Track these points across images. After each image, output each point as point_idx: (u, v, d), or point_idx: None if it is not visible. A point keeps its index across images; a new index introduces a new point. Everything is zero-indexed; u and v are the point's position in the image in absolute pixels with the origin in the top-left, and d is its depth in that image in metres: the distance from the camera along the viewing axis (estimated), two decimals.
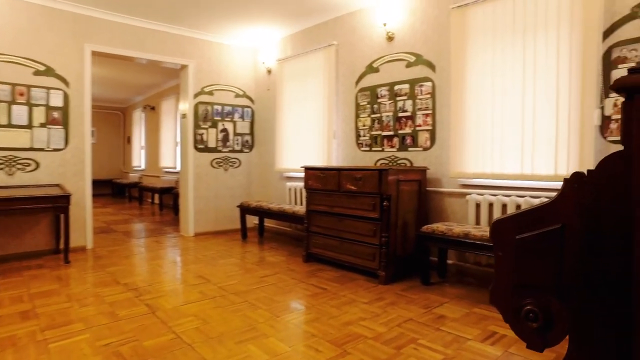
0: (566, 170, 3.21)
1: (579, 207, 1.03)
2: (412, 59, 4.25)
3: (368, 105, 4.70)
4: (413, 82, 4.25)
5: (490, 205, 3.63)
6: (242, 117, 6.29)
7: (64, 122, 4.76)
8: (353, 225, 3.90)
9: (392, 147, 4.48)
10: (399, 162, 4.41)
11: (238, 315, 2.83)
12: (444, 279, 3.76)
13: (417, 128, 4.24)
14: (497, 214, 3.56)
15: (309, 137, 5.34)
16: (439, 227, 3.52)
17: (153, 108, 10.35)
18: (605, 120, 3.11)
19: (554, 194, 3.35)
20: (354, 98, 4.85)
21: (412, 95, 4.27)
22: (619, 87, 1.00)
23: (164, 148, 9.63)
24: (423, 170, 4.03)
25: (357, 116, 4.82)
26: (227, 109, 6.13)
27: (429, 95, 4.14)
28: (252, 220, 6.28)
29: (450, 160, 3.93)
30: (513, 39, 3.47)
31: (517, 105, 3.46)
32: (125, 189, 11.63)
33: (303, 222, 4.54)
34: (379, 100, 4.57)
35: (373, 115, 4.65)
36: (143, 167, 11.14)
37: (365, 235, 3.78)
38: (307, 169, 4.40)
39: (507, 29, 3.50)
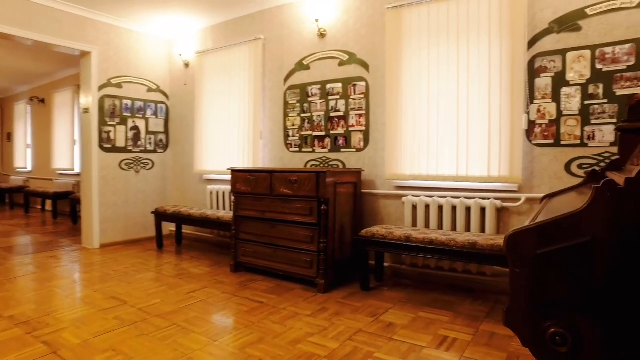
0: (498, 172, 3.33)
1: (612, 218, 0.93)
2: (345, 57, 4.13)
3: (298, 104, 4.49)
4: (346, 82, 4.14)
5: (427, 206, 3.65)
6: (155, 113, 5.66)
7: None
8: (288, 231, 3.66)
9: (323, 148, 4.32)
10: (330, 163, 4.27)
11: (168, 343, 2.42)
12: (382, 282, 3.69)
13: (351, 128, 4.14)
14: (433, 215, 3.59)
15: (233, 137, 4.97)
16: (379, 230, 3.43)
17: (43, 101, 9.00)
18: (531, 125, 3.27)
19: (487, 194, 3.49)
20: (283, 96, 4.61)
21: (345, 95, 4.15)
22: None
23: (58, 147, 8.40)
24: (358, 172, 3.93)
25: (286, 115, 4.59)
26: (139, 104, 5.47)
27: (362, 95, 4.05)
28: (168, 228, 5.69)
29: (385, 162, 3.89)
30: (448, 43, 3.51)
31: (452, 107, 3.51)
32: (5, 195, 9.98)
33: (229, 228, 4.18)
34: (310, 99, 4.39)
35: (303, 115, 4.45)
36: (29, 168, 9.64)
37: (302, 241, 3.57)
38: (235, 171, 4.05)
39: (441, 32, 3.54)
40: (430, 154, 3.63)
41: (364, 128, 4.06)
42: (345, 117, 4.16)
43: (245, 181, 3.94)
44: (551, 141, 3.20)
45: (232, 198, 4.08)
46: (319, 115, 4.34)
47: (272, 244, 3.77)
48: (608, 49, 3.00)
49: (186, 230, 5.60)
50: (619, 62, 2.97)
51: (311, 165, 4.41)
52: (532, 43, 3.24)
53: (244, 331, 2.60)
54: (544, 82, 3.22)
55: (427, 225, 3.65)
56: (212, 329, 2.64)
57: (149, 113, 5.57)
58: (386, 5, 3.81)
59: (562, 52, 3.15)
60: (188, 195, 5.66)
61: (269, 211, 3.77)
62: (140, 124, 5.48)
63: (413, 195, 3.73)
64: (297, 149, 4.52)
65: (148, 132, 5.57)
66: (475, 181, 3.44)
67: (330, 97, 4.25)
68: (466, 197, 3.47)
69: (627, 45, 2.94)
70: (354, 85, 4.09)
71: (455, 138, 3.50)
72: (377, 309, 3.03)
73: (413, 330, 2.64)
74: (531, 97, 3.26)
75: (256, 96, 4.73)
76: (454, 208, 3.52)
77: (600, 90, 3.03)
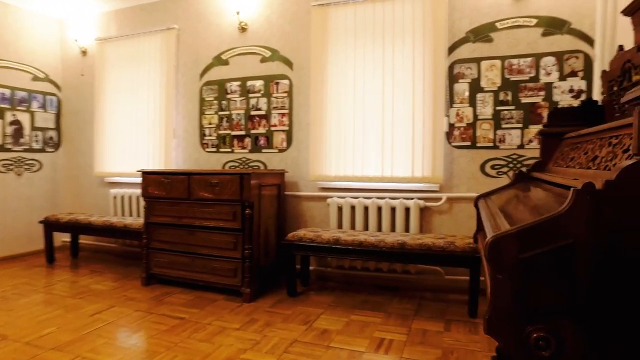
0: (421, 172, 3.43)
1: (592, 222, 0.92)
2: (268, 53, 3.96)
3: (215, 101, 4.19)
4: (268, 79, 3.97)
5: (353, 208, 3.64)
6: (43, 106, 4.88)
7: None
8: (209, 238, 3.37)
9: (243, 148, 4.10)
10: (251, 164, 4.06)
11: None
12: (308, 286, 3.59)
13: (273, 128, 3.97)
14: (359, 216, 3.58)
15: (142, 136, 4.48)
16: (306, 233, 3.32)
17: None
18: (451, 127, 3.43)
19: (411, 195, 3.59)
20: (199, 92, 4.27)
21: (267, 93, 3.98)
22: (636, 97, 0.93)
23: None
24: (282, 174, 3.78)
25: (202, 113, 4.26)
26: (21, 94, 4.66)
27: (285, 94, 3.92)
28: (60, 238, 4.94)
29: (309, 163, 3.80)
30: (374, 44, 3.54)
31: (378, 109, 3.54)
32: None
33: (139, 237, 3.74)
34: (229, 96, 4.13)
35: (221, 113, 4.17)
36: None
37: (225, 248, 3.31)
38: (146, 174, 3.64)
39: (367, 34, 3.55)
40: (356, 155, 3.62)
41: (287, 128, 3.92)
42: (267, 116, 3.98)
43: (158, 184, 3.55)
44: (468, 143, 3.39)
45: (143, 203, 3.66)
46: (238, 114, 4.10)
47: (191, 253, 3.44)
48: (514, 61, 3.27)
49: (84, 240, 4.91)
50: (523, 73, 3.25)
51: (230, 167, 4.15)
52: (451, 49, 3.41)
53: (167, 354, 2.29)
54: (462, 87, 3.40)
55: (352, 227, 3.64)
56: (127, 356, 2.28)
57: (35, 106, 4.79)
58: (312, 2, 3.72)
59: (477, 60, 3.36)
60: (86, 200, 4.98)
61: (187, 217, 3.44)
62: (24, 118, 4.68)
63: (338, 197, 3.69)
64: (214, 149, 4.22)
65: (34, 128, 4.78)
66: (399, 182, 3.51)
67: (251, 95, 4.04)
68: (391, 198, 3.53)
69: (529, 59, 3.23)
70: (277, 83, 3.94)
71: (380, 139, 3.54)
72: (309, 315, 2.92)
73: (348, 335, 2.58)
74: (451, 101, 3.42)
75: (168, 91, 4.32)
76: (379, 209, 3.56)
77: (510, 97, 3.28)
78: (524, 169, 2.11)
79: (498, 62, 3.31)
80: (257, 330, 2.63)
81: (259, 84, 4.00)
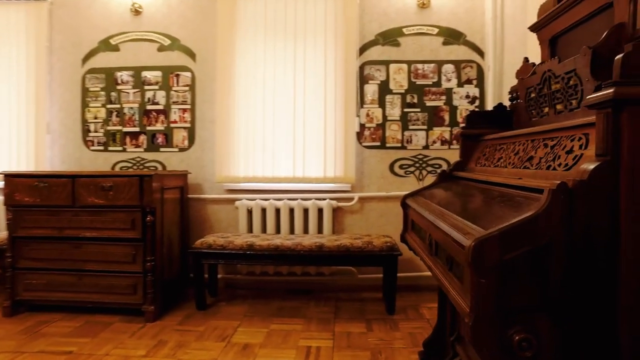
0: (333, 173, 3.41)
1: (567, 220, 0.94)
2: (167, 42, 3.55)
3: (103, 92, 3.63)
4: (167, 70, 3.56)
5: (263, 210, 3.46)
6: None
7: None
8: (101, 251, 2.88)
9: (137, 146, 3.63)
10: (147, 165, 3.61)
11: None
12: (217, 297, 3.32)
13: (172, 125, 3.59)
14: (270, 219, 3.42)
15: (1, 131, 3.67)
16: (216, 240, 3.06)
17: None
18: (361, 127, 3.48)
19: (323, 195, 3.54)
20: (81, 81, 3.65)
21: (165, 86, 3.57)
22: (604, 100, 0.96)
23: None
24: (184, 175, 3.44)
25: (86, 105, 3.66)
26: None
27: (187, 88, 3.56)
28: None
29: (215, 163, 3.52)
30: (285, 41, 3.40)
31: (289, 107, 3.42)
32: None
33: (1, 256, 3.05)
34: (120, 87, 3.61)
35: (110, 106, 3.63)
36: None
37: (122, 262, 2.87)
38: (11, 177, 2.98)
39: (279, 30, 3.40)
40: (266, 155, 3.46)
41: (188, 125, 3.58)
42: (165, 111, 3.58)
43: (29, 189, 2.93)
44: (378, 143, 3.48)
45: (8, 214, 2.98)
46: (131, 108, 3.61)
47: (77, 270, 2.91)
48: (420, 66, 3.44)
49: None
50: (427, 78, 3.44)
51: (121, 168, 3.64)
52: (362, 50, 3.45)
53: None
54: (372, 88, 3.47)
55: (264, 230, 3.46)
56: None
57: None
58: None
59: (386, 63, 3.46)
60: None
61: (71, 227, 2.90)
62: None
63: (248, 199, 3.48)
64: (102, 148, 3.66)
65: None
66: (311, 182, 3.44)
67: (147, 87, 3.59)
68: (303, 199, 3.44)
69: (432, 65, 3.43)
70: (177, 76, 3.56)
71: (291, 139, 3.43)
72: (224, 329, 2.68)
73: (273, 347, 2.42)
74: (361, 102, 3.47)
75: (39, 78, 3.61)
76: (291, 210, 3.44)
77: (416, 100, 3.44)
78: (445, 169, 2.19)
79: (405, 66, 3.45)
80: (169, 355, 2.31)
81: (156, 75, 3.57)
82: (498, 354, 0.96)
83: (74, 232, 2.90)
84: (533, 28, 2.00)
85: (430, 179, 3.46)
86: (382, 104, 3.47)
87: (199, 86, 3.56)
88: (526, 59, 2.14)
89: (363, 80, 3.47)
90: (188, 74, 3.55)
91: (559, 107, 1.63)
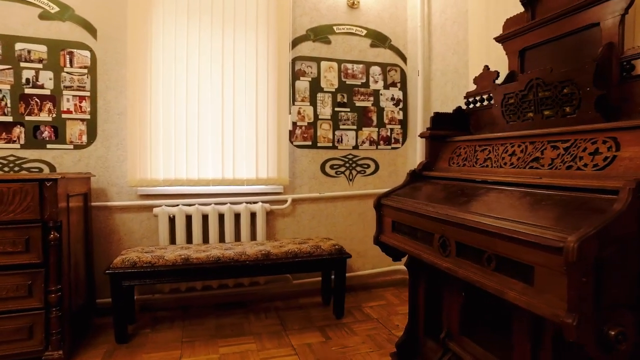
0: (266, 174, 3.18)
1: None
2: (54, 8, 2.80)
3: None
4: (56, 45, 2.82)
5: (188, 217, 3.02)
6: None
7: None
8: None
9: (9, 141, 2.79)
10: (26, 166, 2.81)
11: None
12: (136, 323, 2.77)
13: (65, 115, 2.86)
14: (197, 227, 3.01)
15: None
16: (140, 256, 2.55)
17: None
18: (292, 126, 3.31)
19: (254, 198, 3.25)
20: None
21: (54, 65, 2.82)
22: None
23: None
24: (88, 179, 2.78)
25: None
26: None
27: (84, 70, 2.88)
28: None
29: (126, 164, 2.94)
30: (212, 29, 3.02)
31: (217, 102, 3.05)
32: None
33: None
34: None
35: None
36: None
37: (10, 298, 2.16)
38: None
39: (205, 15, 2.99)
40: (190, 155, 3.02)
41: (87, 116, 2.90)
42: (53, 98, 2.83)
43: None
44: (309, 143, 3.36)
45: None
46: (1, 90, 2.75)
47: None
48: (349, 65, 3.44)
49: None
50: (356, 78, 3.46)
51: None
52: (294, 44, 3.28)
53: None
54: (303, 85, 3.33)
55: (188, 240, 3.03)
56: None
57: None
58: None
59: (317, 60, 3.36)
60: None
61: None
62: None
63: (168, 205, 3.00)
64: None
65: None
66: (242, 184, 3.14)
67: (24, 64, 2.77)
68: (232, 203, 3.12)
69: (361, 65, 3.47)
70: (71, 54, 2.85)
71: (220, 137, 3.07)
72: None
73: None
74: (293, 99, 3.30)
75: None
76: (221, 216, 3.08)
77: (346, 100, 3.43)
78: (414, 169, 2.21)
79: (335, 65, 3.41)
80: None
81: (38, 49, 2.79)
82: (599, 349, 1.00)
83: None
84: (500, 39, 2.15)
85: (360, 180, 3.50)
86: (313, 102, 3.36)
87: (102, 69, 2.91)
88: (487, 67, 2.29)
89: (294, 76, 3.30)
90: (86, 52, 2.87)
91: (547, 112, 1.77)
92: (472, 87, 2.35)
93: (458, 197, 1.78)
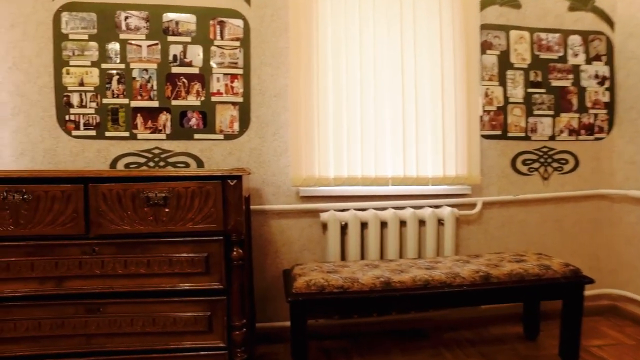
0: (455, 171, 2.50)
1: None
2: None
3: (92, 43, 2.21)
4: (205, 14, 2.29)
5: (363, 225, 2.39)
6: None
7: None
8: (144, 315, 1.58)
9: (155, 130, 2.28)
10: (171, 160, 2.30)
11: None
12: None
13: (214, 97, 2.32)
14: (373, 237, 2.37)
15: None
16: (327, 278, 1.93)
17: None
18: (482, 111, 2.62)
19: (439, 201, 2.57)
20: (52, 21, 2.18)
21: (203, 38, 2.29)
22: None
23: None
24: (247, 176, 2.22)
25: (62, 64, 2.20)
26: None
27: (236, 43, 2.33)
28: None
29: (285, 159, 2.36)
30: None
31: (397, 82, 2.41)
32: None
33: None
34: (124, 37, 2.23)
35: (107, 65, 2.22)
36: None
37: (186, 332, 1.61)
38: None
39: None
40: (366, 147, 2.40)
41: (240, 99, 2.35)
42: (202, 77, 2.30)
43: None
44: (499, 132, 2.65)
45: None
46: (144, 70, 2.25)
47: (95, 354, 1.56)
48: (543, 35, 2.70)
49: None
50: (552, 51, 2.71)
51: (127, 165, 2.26)
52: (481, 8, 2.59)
53: None
54: (490, 60, 2.62)
55: (362, 256, 2.40)
56: None
57: None
58: None
59: (506, 29, 2.64)
60: None
61: (83, 276, 1.54)
62: None
63: (337, 210, 2.39)
64: (92, 132, 2.23)
65: None
66: (427, 183, 2.47)
67: (171, 38, 2.26)
68: (413, 207, 2.46)
69: (557, 35, 2.72)
70: (221, 24, 2.31)
71: (400, 124, 2.43)
72: None
73: None
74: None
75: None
76: (402, 224, 2.44)
77: (540, 79, 2.69)
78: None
79: (527, 34, 2.67)
80: None
81: (186, 19, 2.27)
82: None
83: (87, 283, 1.55)
84: None
85: (556, 178, 2.74)
86: (502, 81, 2.64)
87: (256, 41, 2.35)
88: None
89: (480, 49, 2.61)
90: (239, 21, 2.32)
91: None
92: None
93: None
